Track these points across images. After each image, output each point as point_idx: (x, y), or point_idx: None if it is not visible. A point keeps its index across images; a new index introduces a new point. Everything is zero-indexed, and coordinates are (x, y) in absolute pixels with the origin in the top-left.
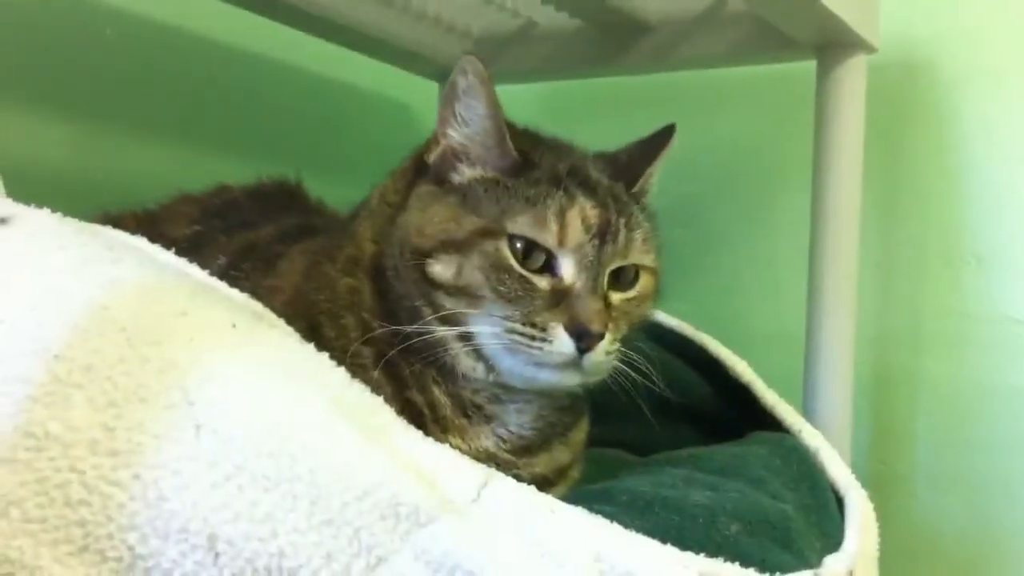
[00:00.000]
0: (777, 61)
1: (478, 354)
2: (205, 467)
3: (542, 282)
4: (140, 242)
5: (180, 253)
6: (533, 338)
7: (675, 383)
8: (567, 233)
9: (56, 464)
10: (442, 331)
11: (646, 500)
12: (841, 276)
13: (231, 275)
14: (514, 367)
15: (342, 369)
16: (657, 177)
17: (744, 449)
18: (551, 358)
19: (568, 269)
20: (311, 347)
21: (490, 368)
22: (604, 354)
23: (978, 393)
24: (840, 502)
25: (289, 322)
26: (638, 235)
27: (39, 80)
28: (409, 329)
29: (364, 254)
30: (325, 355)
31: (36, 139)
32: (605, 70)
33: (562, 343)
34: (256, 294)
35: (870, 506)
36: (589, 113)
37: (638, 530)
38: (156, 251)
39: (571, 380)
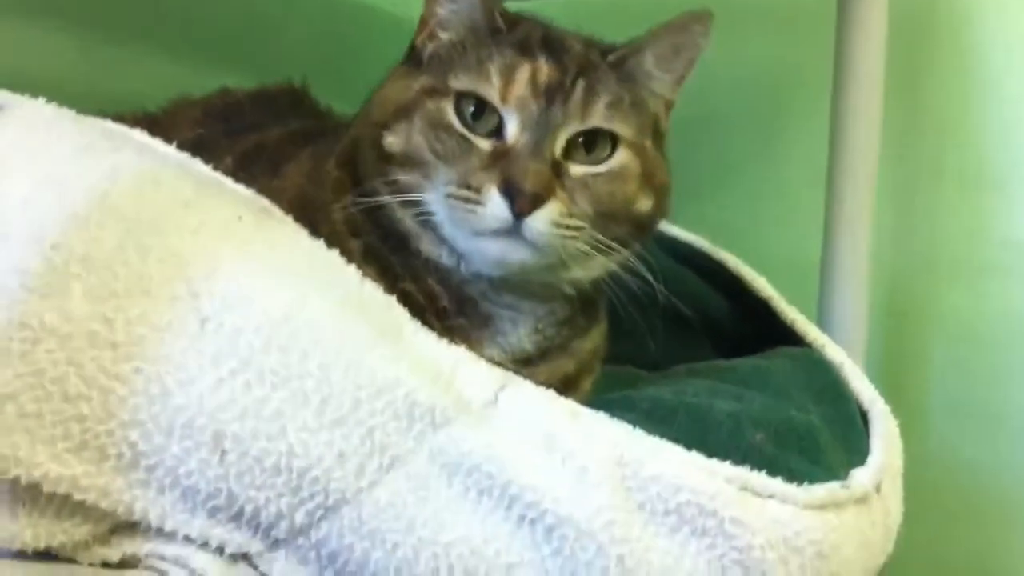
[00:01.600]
0: None
1: (437, 236)
2: (210, 361)
3: (483, 143)
4: (140, 135)
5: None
6: (468, 200)
7: (691, 298)
8: (511, 89)
9: (53, 357)
10: (393, 203)
11: (669, 407)
12: (859, 201)
13: (238, 176)
14: (458, 238)
15: (353, 267)
16: (661, 59)
17: (768, 363)
18: (486, 222)
19: (511, 129)
20: (321, 243)
21: (452, 252)
22: (551, 225)
23: (996, 320)
24: (864, 417)
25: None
26: (602, 98)
27: None
28: (360, 200)
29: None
30: (336, 251)
31: (33, 49)
32: None
33: (495, 204)
34: (262, 195)
35: (894, 421)
36: (606, 29)
37: (661, 436)
38: (157, 144)
39: (516, 254)
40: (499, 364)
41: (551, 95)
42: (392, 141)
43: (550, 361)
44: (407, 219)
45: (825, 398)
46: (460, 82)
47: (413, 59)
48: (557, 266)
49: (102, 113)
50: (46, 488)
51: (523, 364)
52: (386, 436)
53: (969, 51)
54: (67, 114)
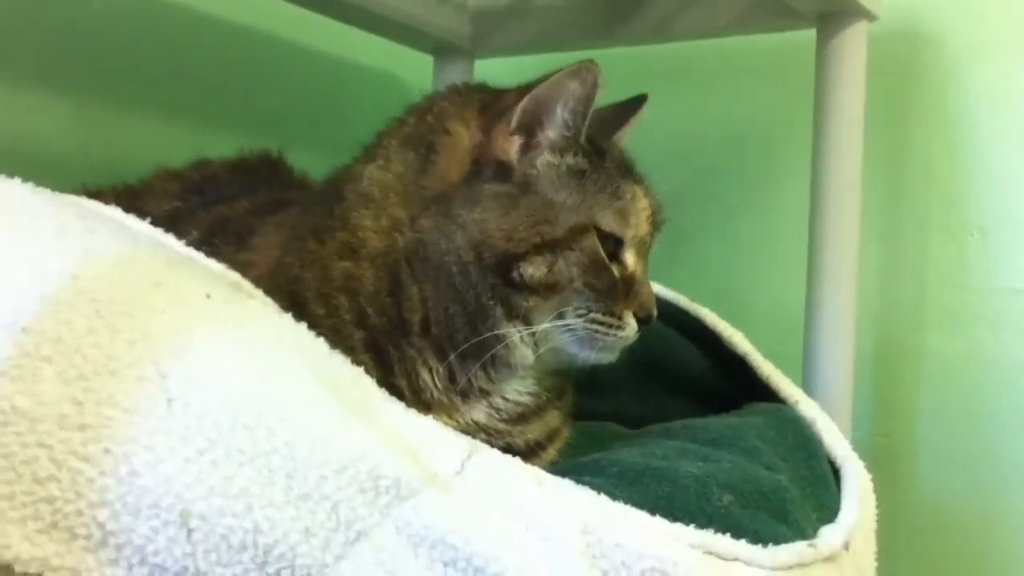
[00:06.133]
0: (776, 30)
1: (536, 345)
2: (178, 441)
3: (616, 272)
4: (115, 212)
5: (159, 227)
6: (611, 326)
7: (671, 355)
8: (639, 225)
9: (23, 439)
10: (511, 330)
11: (636, 471)
12: (842, 249)
13: (203, 249)
14: (580, 353)
15: (322, 340)
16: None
17: (739, 420)
18: (619, 343)
19: (630, 257)
20: (289, 317)
21: (538, 356)
22: None
23: (981, 366)
24: (837, 474)
25: (267, 295)
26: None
27: (25, 54)
28: (475, 336)
29: (365, 244)
30: (303, 326)
31: (23, 114)
32: (603, 42)
33: (632, 328)
34: (230, 267)
35: (867, 477)
36: None
37: (627, 501)
38: (131, 221)
39: (617, 355)
40: (485, 427)
41: (655, 224)
42: (531, 271)
43: (543, 416)
44: (518, 337)
45: (796, 456)
46: (605, 222)
47: (494, 174)
48: None
49: (91, 179)
50: (18, 569)
51: (515, 422)
52: (351, 510)
53: (952, 99)
54: (43, 193)
